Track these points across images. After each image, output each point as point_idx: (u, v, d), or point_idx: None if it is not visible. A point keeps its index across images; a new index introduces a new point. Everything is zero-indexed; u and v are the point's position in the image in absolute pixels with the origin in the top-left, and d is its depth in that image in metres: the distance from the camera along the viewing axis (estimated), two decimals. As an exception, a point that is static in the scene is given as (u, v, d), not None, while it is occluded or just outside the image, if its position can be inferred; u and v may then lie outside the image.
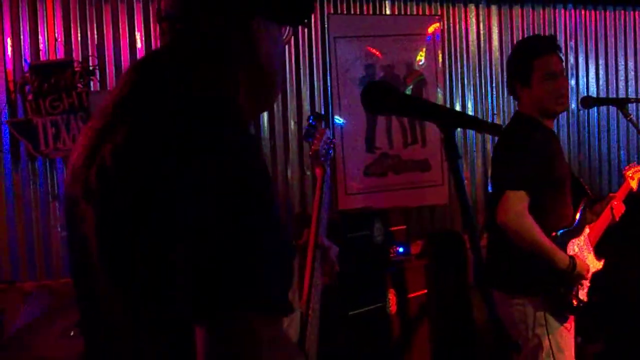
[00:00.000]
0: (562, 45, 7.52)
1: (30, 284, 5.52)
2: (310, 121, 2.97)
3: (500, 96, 7.50)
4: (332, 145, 2.89)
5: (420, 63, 7.00)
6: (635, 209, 4.75)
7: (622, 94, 7.97)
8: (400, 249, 5.71)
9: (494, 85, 7.49)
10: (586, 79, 7.86)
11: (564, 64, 4.36)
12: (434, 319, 5.84)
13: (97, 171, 1.59)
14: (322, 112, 6.64)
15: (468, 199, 1.92)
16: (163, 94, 1.62)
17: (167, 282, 1.51)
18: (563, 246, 4.12)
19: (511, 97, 4.48)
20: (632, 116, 4.59)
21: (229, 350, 1.45)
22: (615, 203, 4.53)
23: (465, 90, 7.38)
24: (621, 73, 8.05)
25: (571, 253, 4.14)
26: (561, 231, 4.16)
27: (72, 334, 3.54)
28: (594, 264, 4.32)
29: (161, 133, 1.54)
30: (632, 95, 8.01)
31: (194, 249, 1.46)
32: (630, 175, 4.72)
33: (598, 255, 4.38)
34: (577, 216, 4.28)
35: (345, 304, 5.09)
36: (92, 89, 5.83)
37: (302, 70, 6.64)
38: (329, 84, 6.68)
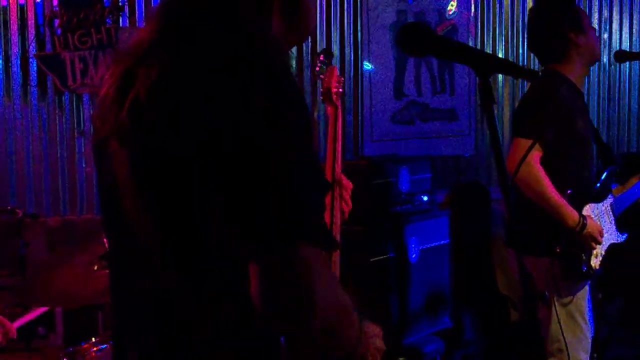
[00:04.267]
0: (597, -2, 7.43)
1: (54, 219, 5.54)
2: (321, 58, 2.93)
3: (532, 48, 7.39)
4: (342, 83, 2.85)
5: (451, 12, 6.92)
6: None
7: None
8: (424, 198, 5.69)
9: (526, 36, 7.37)
10: (619, 33, 7.73)
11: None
12: (455, 269, 5.84)
13: (129, 109, 1.57)
14: (352, 58, 6.61)
15: (501, 146, 1.89)
16: (196, 28, 1.61)
17: (210, 218, 1.51)
18: (578, 207, 3.98)
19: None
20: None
21: (286, 284, 1.46)
22: None
23: (497, 42, 7.28)
24: (656, 28, 7.91)
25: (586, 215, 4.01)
26: (576, 191, 4.00)
27: (95, 268, 3.55)
28: (614, 235, 4.20)
29: (197, 64, 1.53)
30: (666, 51, 7.86)
31: (239, 181, 1.46)
32: None
33: (620, 227, 4.27)
34: (600, 181, 4.18)
35: (368, 250, 5.09)
36: (120, 25, 5.80)
37: (332, 14, 6.56)
38: (359, 29, 6.61)
